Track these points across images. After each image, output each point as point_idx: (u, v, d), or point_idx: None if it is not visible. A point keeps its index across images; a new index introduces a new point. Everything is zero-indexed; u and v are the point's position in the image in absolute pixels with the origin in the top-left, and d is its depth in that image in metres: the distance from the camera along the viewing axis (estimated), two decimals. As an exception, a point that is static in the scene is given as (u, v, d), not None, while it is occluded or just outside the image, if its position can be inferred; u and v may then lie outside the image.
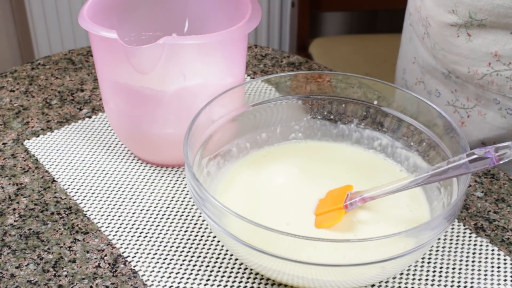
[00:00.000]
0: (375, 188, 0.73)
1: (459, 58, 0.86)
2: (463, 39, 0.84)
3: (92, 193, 0.82)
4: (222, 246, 0.75)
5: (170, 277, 0.72)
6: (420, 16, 0.91)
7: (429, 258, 0.74)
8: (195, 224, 0.78)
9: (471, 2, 0.81)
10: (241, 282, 0.71)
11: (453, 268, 0.73)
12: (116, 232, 0.77)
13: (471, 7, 0.81)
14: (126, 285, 0.71)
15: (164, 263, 0.73)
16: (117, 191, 0.83)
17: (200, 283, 0.71)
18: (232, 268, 0.73)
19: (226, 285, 0.71)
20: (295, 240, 0.62)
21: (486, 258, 0.75)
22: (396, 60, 1.13)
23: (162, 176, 0.85)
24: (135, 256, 0.74)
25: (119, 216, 0.79)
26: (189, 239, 0.76)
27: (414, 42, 1.00)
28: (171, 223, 0.78)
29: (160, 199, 0.82)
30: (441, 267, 0.73)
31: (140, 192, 0.83)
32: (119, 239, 0.76)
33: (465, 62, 0.86)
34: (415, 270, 0.73)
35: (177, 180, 0.84)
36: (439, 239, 0.76)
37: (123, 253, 0.74)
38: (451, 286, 0.71)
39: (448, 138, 0.75)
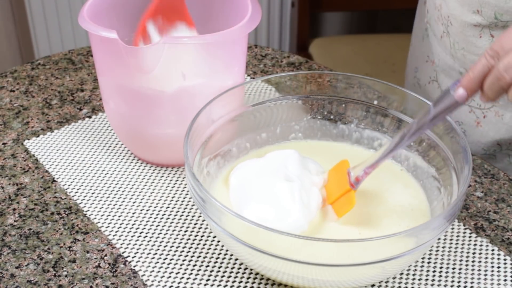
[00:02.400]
0: (370, 158, 0.72)
1: None
2: (485, 40, 0.83)
3: (92, 193, 0.82)
4: (222, 246, 0.75)
5: (170, 277, 0.72)
6: (440, 15, 0.89)
7: (429, 258, 0.74)
8: (195, 224, 0.78)
9: (497, 3, 0.80)
10: (241, 282, 0.71)
11: (453, 268, 0.73)
12: (116, 232, 0.77)
13: (497, 8, 0.80)
14: (126, 285, 0.71)
15: (164, 263, 0.73)
16: (117, 191, 0.83)
17: (200, 283, 0.71)
18: (232, 268, 0.73)
19: (226, 285, 0.71)
20: (295, 240, 0.62)
21: (486, 258, 0.75)
22: (397, 60, 1.12)
23: (162, 176, 0.85)
24: (135, 256, 0.74)
25: (119, 216, 0.79)
26: (189, 239, 0.76)
27: (429, 40, 0.99)
28: (171, 223, 0.78)
29: (160, 199, 0.82)
30: (441, 267, 0.73)
31: (140, 192, 0.83)
32: (119, 239, 0.76)
33: None
34: (415, 270, 0.73)
35: (177, 180, 0.84)
36: (439, 239, 0.76)
37: (123, 253, 0.74)
38: (451, 286, 0.71)
39: (448, 138, 0.75)
